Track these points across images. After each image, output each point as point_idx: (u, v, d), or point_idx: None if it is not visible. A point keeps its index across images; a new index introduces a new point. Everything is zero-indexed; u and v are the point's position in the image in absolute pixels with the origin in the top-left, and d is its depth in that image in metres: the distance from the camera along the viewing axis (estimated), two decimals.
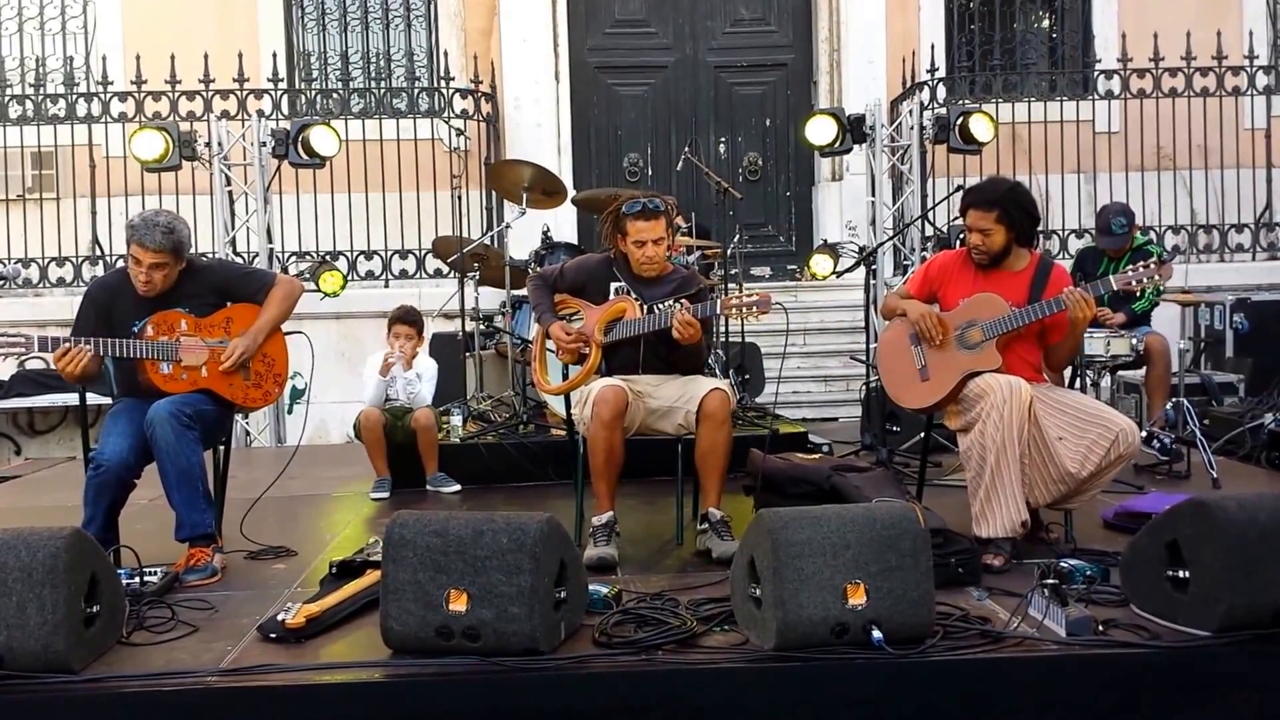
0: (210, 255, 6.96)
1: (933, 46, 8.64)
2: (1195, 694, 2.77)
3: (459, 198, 8.05)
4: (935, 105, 8.00)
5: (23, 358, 6.92)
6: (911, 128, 7.66)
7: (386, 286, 8.33)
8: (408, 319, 5.25)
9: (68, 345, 3.60)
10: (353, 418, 5.34)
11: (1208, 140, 8.63)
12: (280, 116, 8.04)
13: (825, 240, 8.02)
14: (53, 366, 7.26)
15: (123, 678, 2.74)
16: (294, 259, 8.14)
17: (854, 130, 7.21)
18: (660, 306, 3.87)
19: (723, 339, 6.14)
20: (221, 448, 4.02)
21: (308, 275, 7.13)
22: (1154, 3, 9.28)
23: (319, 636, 3.01)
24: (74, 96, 8.40)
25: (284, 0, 9.37)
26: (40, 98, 8.46)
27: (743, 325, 6.07)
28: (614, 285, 4.05)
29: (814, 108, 8.85)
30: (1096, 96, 8.84)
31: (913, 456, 5.25)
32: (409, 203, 8.29)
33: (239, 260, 7.13)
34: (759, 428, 5.37)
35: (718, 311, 3.88)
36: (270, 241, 7.59)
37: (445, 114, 8.51)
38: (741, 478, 4.25)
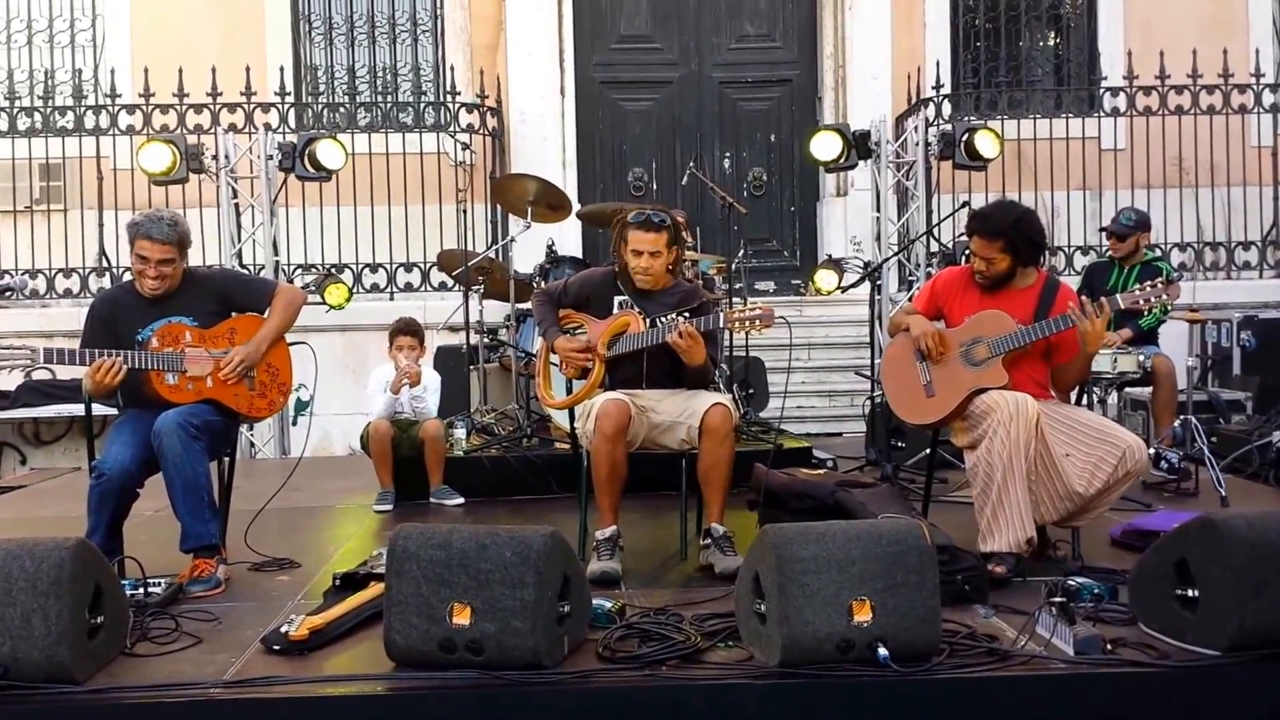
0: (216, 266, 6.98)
1: (938, 63, 8.65)
2: (1204, 714, 2.75)
3: (464, 211, 8.05)
4: (941, 121, 8.00)
5: (29, 368, 6.92)
6: (917, 144, 7.66)
7: (392, 299, 8.33)
8: (409, 330, 5.25)
9: (102, 360, 3.60)
10: (357, 430, 5.34)
11: (1214, 158, 8.63)
12: (287, 130, 8.06)
13: (830, 255, 8.01)
14: (59, 377, 7.37)
15: (126, 689, 2.73)
16: (299, 271, 8.16)
17: (859, 146, 7.23)
18: (663, 320, 3.87)
19: (727, 353, 6.13)
20: (226, 459, 4.02)
21: (313, 288, 7.15)
22: (1160, 21, 9.30)
23: (322, 649, 3.00)
24: (82, 109, 8.43)
25: (291, 14, 9.41)
26: (49, 110, 8.49)
27: (747, 340, 6.07)
28: (617, 299, 4.05)
29: (819, 123, 8.87)
30: (1102, 114, 8.83)
31: (918, 472, 5.23)
32: (414, 216, 8.30)
33: (242, 270, 7.15)
34: (763, 443, 5.36)
35: (721, 325, 3.88)
36: (276, 254, 7.60)
37: (451, 128, 8.54)
38: (745, 493, 4.24)
